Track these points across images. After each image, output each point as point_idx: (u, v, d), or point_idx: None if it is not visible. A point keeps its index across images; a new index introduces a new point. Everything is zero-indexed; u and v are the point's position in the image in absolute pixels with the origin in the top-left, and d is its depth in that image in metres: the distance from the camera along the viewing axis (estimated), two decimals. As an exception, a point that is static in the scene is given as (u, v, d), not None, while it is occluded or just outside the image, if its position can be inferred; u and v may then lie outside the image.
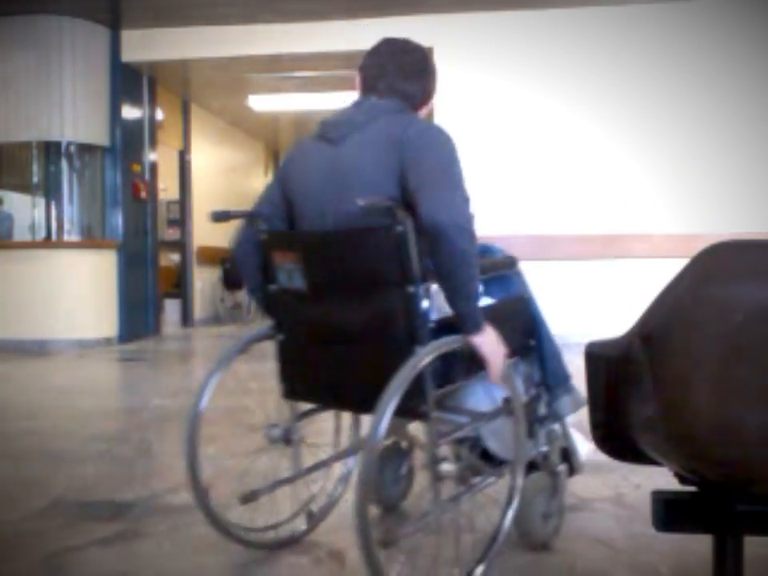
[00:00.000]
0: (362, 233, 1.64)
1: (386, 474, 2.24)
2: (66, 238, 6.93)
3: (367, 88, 1.83)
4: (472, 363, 1.69)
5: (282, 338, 1.86)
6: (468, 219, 1.62)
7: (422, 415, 1.62)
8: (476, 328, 1.64)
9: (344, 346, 1.72)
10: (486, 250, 2.04)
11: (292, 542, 2.01)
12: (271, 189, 1.89)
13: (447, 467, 1.62)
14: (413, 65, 1.83)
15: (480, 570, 1.75)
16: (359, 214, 1.59)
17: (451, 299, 1.63)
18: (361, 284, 1.66)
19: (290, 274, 1.75)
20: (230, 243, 1.92)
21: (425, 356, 1.56)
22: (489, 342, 1.67)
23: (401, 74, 1.81)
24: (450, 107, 6.81)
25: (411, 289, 1.58)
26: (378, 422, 1.45)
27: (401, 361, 1.54)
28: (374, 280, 1.64)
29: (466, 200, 1.64)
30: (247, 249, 1.87)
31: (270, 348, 1.91)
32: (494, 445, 1.92)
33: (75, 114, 6.87)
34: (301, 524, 2.07)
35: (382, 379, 1.51)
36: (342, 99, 8.39)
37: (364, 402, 1.61)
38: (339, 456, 2.12)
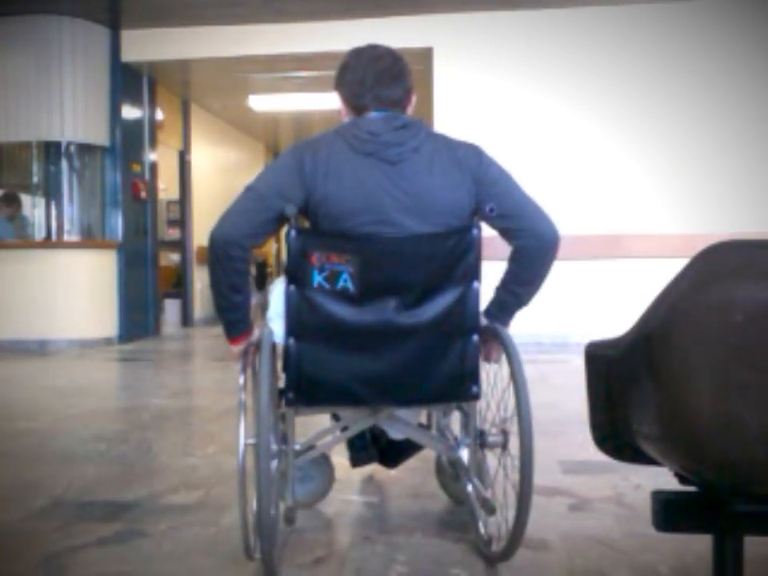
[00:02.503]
0: (444, 235, 1.77)
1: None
2: (66, 238, 6.94)
3: (379, 105, 1.87)
4: None
5: (295, 341, 1.79)
6: None
7: (474, 396, 1.85)
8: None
9: (404, 340, 1.78)
10: None
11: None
12: (288, 186, 1.78)
13: (494, 438, 1.90)
14: (408, 75, 1.92)
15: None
16: (435, 222, 1.77)
17: (521, 299, 1.93)
18: (432, 281, 1.78)
19: (334, 275, 1.74)
20: (229, 230, 1.78)
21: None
22: None
23: (402, 85, 1.90)
24: (449, 107, 6.82)
25: (476, 284, 1.81)
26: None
27: (461, 348, 1.80)
28: (447, 277, 1.78)
29: None
30: (250, 245, 1.81)
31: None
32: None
33: (75, 114, 6.87)
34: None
35: (447, 366, 1.79)
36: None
37: (421, 389, 1.81)
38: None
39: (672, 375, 1.11)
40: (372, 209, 1.75)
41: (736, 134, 6.55)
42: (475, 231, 1.78)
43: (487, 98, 6.79)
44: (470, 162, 1.83)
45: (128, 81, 7.34)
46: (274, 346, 1.85)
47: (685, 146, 6.60)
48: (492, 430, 1.95)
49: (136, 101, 7.55)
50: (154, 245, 7.84)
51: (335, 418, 2.16)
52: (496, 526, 1.91)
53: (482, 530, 1.95)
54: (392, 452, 2.30)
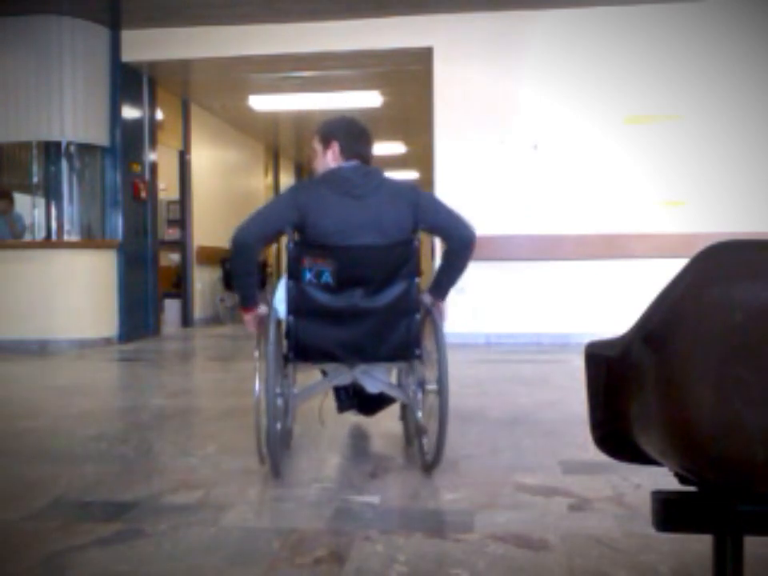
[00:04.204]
0: (395, 245, 2.56)
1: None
2: (65, 238, 6.93)
3: (355, 157, 2.69)
4: None
5: (293, 318, 2.58)
6: None
7: (417, 356, 2.65)
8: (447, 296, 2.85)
9: (366, 318, 2.56)
10: None
11: None
12: (284, 214, 2.59)
13: (431, 386, 2.62)
14: (370, 137, 2.79)
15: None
16: (390, 237, 2.56)
17: (451, 280, 2.78)
18: (386, 278, 2.56)
19: (318, 273, 2.52)
20: (247, 234, 2.56)
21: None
22: None
23: (371, 146, 2.78)
24: (449, 107, 6.82)
25: (417, 280, 2.61)
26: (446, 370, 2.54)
27: (407, 323, 2.59)
28: (396, 275, 2.57)
29: None
30: (259, 246, 2.63)
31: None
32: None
33: (75, 114, 6.87)
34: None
35: (397, 335, 2.59)
36: (342, 99, 8.41)
37: (379, 351, 2.61)
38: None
39: (672, 375, 1.11)
40: (347, 230, 2.54)
41: (736, 134, 6.55)
42: (415, 243, 2.57)
43: (487, 97, 6.79)
44: (410, 196, 2.64)
45: (128, 81, 7.35)
46: (279, 322, 2.63)
47: (684, 146, 6.60)
48: (430, 379, 2.64)
49: (136, 101, 7.55)
50: (153, 245, 7.85)
51: (323, 373, 2.91)
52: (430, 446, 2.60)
53: (425, 447, 2.65)
54: (370, 403, 3.11)
